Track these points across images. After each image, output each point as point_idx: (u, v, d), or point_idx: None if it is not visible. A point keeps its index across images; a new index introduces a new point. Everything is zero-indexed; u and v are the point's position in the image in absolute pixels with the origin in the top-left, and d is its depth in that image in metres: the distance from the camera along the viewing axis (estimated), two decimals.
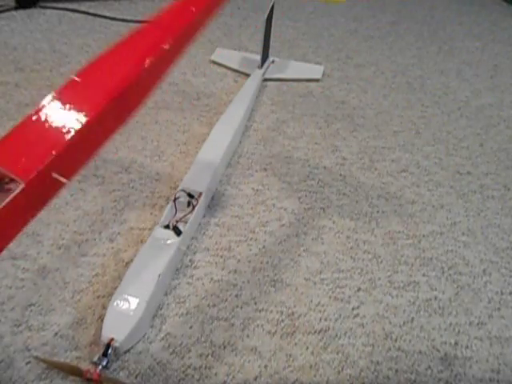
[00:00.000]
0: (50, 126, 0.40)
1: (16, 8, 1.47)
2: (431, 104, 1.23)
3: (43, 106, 0.40)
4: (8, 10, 1.46)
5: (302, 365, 0.63)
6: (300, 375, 0.61)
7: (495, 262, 0.80)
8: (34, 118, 0.40)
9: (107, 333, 0.58)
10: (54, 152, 0.38)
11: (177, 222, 0.74)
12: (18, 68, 1.19)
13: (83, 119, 0.40)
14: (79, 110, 0.41)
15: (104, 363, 0.56)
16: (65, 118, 0.40)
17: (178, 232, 0.72)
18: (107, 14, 1.50)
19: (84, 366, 0.58)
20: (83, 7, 1.53)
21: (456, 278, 0.77)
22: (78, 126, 0.40)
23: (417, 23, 1.73)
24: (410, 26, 1.70)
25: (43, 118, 0.40)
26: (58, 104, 0.41)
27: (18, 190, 0.36)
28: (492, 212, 0.90)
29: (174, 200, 0.77)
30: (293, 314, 0.68)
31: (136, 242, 0.76)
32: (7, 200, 0.35)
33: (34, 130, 0.40)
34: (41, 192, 0.39)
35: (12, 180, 0.36)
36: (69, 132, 0.39)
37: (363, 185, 0.94)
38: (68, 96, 0.42)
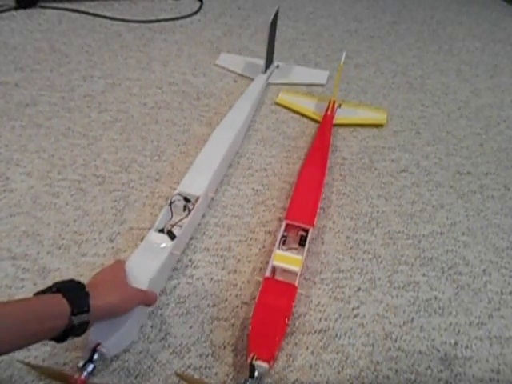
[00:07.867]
0: None
1: (16, 8, 1.47)
2: (431, 104, 1.23)
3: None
4: (8, 10, 1.46)
5: (302, 365, 0.63)
6: (300, 375, 0.61)
7: (495, 262, 0.80)
8: None
9: (94, 337, 0.56)
10: None
11: (172, 226, 0.73)
12: (17, 68, 1.19)
13: None
14: None
15: (89, 369, 0.54)
16: None
17: (172, 236, 0.70)
18: (107, 14, 1.50)
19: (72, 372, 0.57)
20: (83, 7, 1.53)
21: (456, 278, 0.77)
22: None
23: (417, 23, 1.73)
24: (410, 26, 1.70)
25: None
26: None
27: None
28: (492, 212, 0.90)
29: (170, 204, 0.75)
30: (293, 313, 0.68)
31: (136, 242, 0.76)
32: None
33: None
34: None
35: None
36: None
37: (363, 185, 0.94)
38: None
